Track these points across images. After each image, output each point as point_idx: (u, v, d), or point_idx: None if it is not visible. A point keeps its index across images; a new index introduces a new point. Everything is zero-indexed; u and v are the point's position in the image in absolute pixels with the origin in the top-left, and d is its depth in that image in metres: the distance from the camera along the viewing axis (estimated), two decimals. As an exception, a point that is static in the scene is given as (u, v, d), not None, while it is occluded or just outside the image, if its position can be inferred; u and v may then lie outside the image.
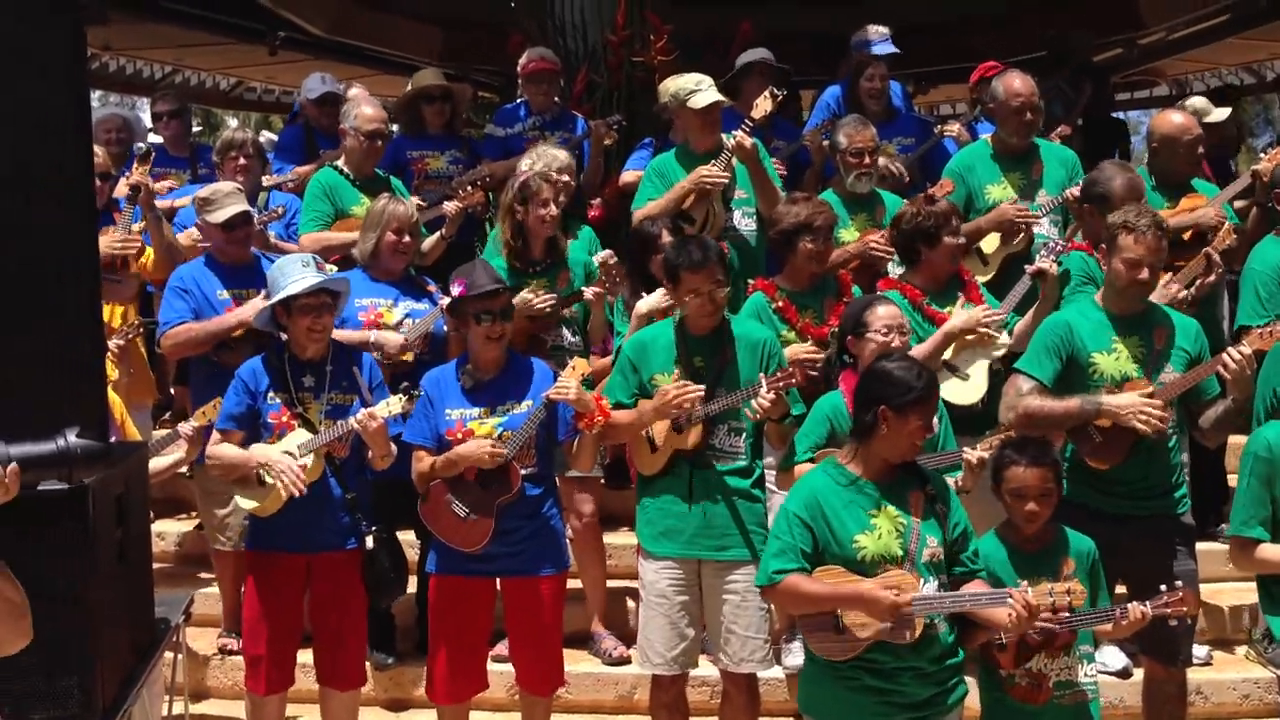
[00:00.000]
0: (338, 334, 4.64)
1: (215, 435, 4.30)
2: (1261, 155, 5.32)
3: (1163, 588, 3.42)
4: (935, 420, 3.92)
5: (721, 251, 4.18)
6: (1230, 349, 3.85)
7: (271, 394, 4.23)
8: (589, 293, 4.88)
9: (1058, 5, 9.71)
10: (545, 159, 5.34)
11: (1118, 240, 3.98)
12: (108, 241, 5.49)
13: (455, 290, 4.16)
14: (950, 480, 3.89)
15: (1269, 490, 3.53)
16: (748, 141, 5.21)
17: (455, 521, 4.12)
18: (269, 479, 4.15)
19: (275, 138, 7.89)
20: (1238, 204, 5.40)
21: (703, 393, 3.96)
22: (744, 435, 4.08)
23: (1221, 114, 6.29)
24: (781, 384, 3.91)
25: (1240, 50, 11.87)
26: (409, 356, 4.80)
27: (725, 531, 4.03)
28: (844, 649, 3.35)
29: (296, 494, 4.09)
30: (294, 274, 4.22)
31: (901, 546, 3.36)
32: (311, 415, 4.23)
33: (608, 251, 5.04)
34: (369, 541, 4.22)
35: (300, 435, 4.18)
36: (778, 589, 3.40)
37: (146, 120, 8.29)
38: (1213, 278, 4.82)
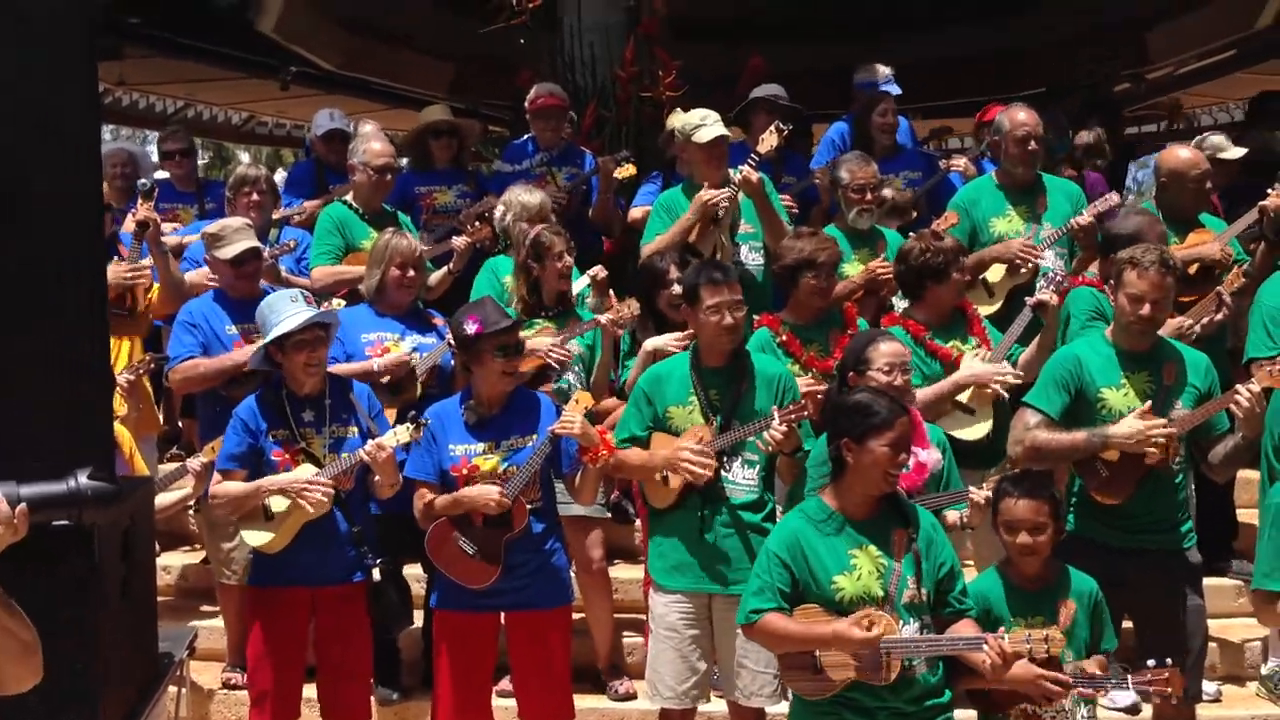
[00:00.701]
0: (341, 368, 4.66)
1: (216, 476, 4.29)
2: (1270, 191, 5.31)
3: (1150, 662, 3.41)
4: (939, 456, 3.92)
5: (741, 275, 4.20)
6: (1241, 386, 3.84)
7: (272, 432, 4.22)
8: (603, 319, 4.87)
9: (1065, 43, 9.77)
10: (515, 208, 5.34)
11: (1123, 276, 3.99)
12: (117, 272, 5.52)
13: (470, 328, 4.13)
14: (955, 514, 3.88)
15: None
16: (754, 176, 5.24)
17: (462, 558, 4.12)
18: (277, 512, 4.14)
19: (285, 174, 7.94)
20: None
21: (714, 467, 3.96)
22: (757, 468, 4.08)
23: (1237, 152, 6.30)
24: (794, 416, 3.92)
25: (1248, 85, 11.90)
26: (420, 377, 4.79)
27: (737, 565, 4.01)
28: (820, 689, 3.35)
29: (325, 500, 4.06)
30: (285, 310, 4.23)
31: (882, 587, 3.34)
32: (315, 450, 4.23)
33: (598, 267, 5.04)
34: (376, 574, 4.21)
35: (306, 470, 4.18)
36: (755, 628, 3.41)
37: (155, 156, 8.37)
38: (1220, 316, 4.81)
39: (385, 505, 4.48)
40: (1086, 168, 6.95)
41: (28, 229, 3.19)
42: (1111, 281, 4.11)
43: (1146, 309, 3.97)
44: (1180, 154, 5.50)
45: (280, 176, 8.13)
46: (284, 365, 4.25)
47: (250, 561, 4.46)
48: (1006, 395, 4.58)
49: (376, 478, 4.21)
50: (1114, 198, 5.38)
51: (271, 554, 4.20)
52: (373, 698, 4.95)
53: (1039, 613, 3.55)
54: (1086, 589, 3.65)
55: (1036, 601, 3.58)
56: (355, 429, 4.29)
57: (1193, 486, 4.20)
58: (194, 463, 4.59)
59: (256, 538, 4.21)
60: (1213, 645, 4.87)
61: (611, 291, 5.21)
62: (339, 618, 4.22)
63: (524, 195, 5.48)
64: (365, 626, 4.27)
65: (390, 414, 4.57)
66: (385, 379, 4.75)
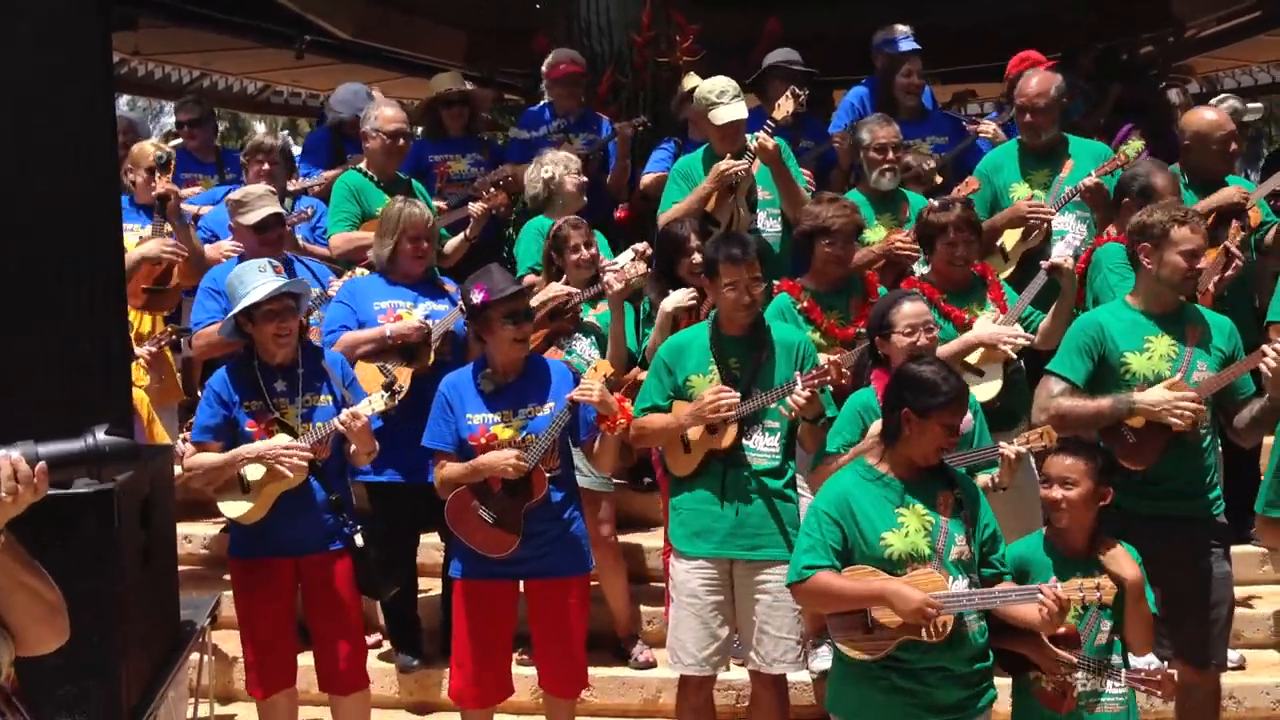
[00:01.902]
0: (353, 336, 4.64)
1: (190, 448, 4.28)
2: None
3: (1152, 662, 3.46)
4: (970, 418, 3.91)
5: (761, 249, 4.17)
6: (1268, 346, 3.78)
7: (245, 403, 4.20)
8: (610, 278, 4.81)
9: (1091, 5, 9.61)
10: (559, 165, 5.35)
11: (1171, 234, 3.92)
12: (161, 245, 5.55)
13: (477, 297, 4.12)
14: (986, 477, 3.87)
15: None
16: (770, 143, 5.18)
17: (483, 527, 4.11)
18: (253, 481, 4.13)
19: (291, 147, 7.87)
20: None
21: (738, 399, 3.96)
22: (778, 436, 4.07)
23: (1256, 108, 6.22)
24: (817, 381, 3.91)
25: (1271, 48, 11.72)
26: (434, 344, 4.78)
27: (758, 531, 4.02)
28: (874, 647, 3.35)
29: (303, 466, 4.07)
30: (253, 281, 4.19)
31: (929, 545, 3.37)
32: (289, 420, 4.21)
33: (643, 244, 5.02)
34: (358, 539, 4.21)
35: (281, 440, 4.16)
36: (807, 585, 3.40)
37: (170, 124, 8.35)
38: (1230, 271, 4.74)
39: (409, 475, 4.47)
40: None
41: (28, 229, 3.19)
42: (1139, 240, 4.02)
43: (1202, 262, 3.95)
44: (1206, 115, 5.42)
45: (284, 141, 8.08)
46: (254, 335, 4.23)
47: (230, 535, 4.43)
48: (1015, 356, 4.55)
49: (353, 447, 4.19)
50: (1120, 158, 5.30)
51: (250, 524, 4.19)
52: (394, 665, 4.99)
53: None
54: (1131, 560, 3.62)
55: (1075, 569, 3.55)
56: (329, 397, 4.28)
57: (1220, 449, 4.14)
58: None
59: (234, 508, 4.20)
60: (1237, 612, 4.84)
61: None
62: (323, 585, 4.22)
63: (552, 154, 5.50)
64: (352, 593, 4.26)
65: (365, 382, 4.53)
66: (398, 344, 4.73)
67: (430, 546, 5.13)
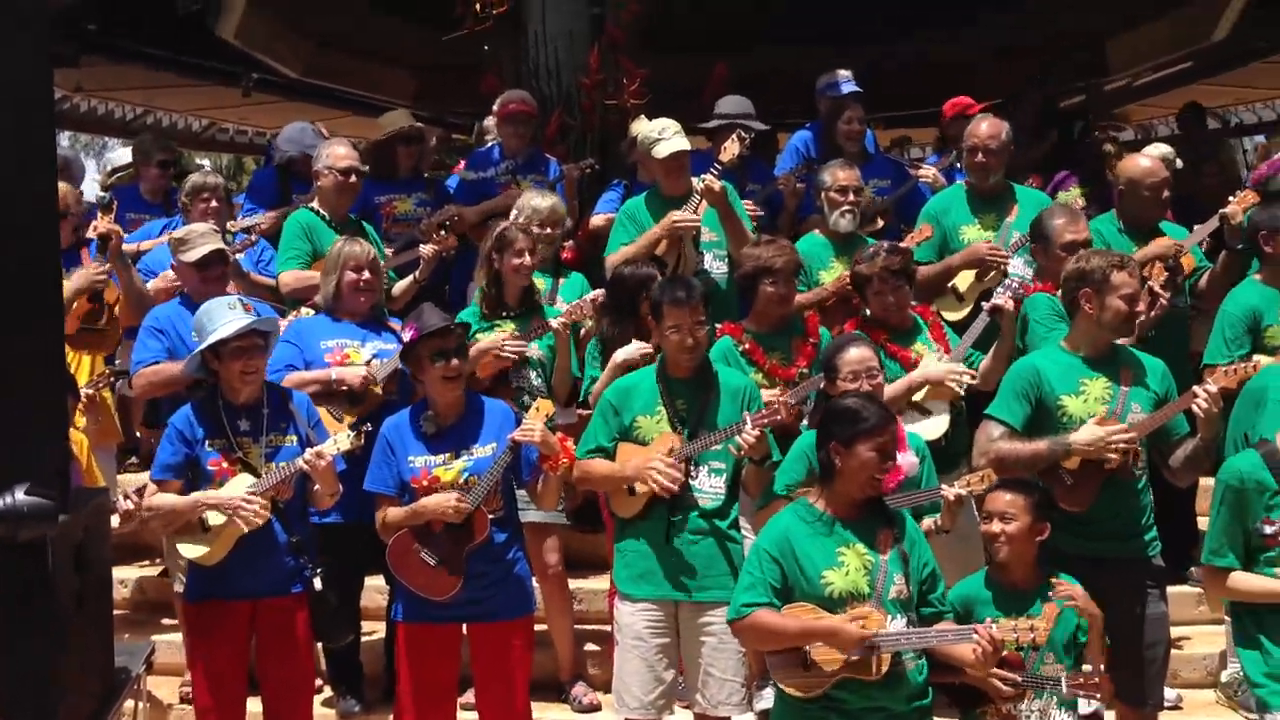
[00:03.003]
0: (299, 376, 4.60)
1: (151, 486, 4.21)
2: (1230, 199, 5.38)
3: (1086, 667, 3.52)
4: (917, 461, 3.96)
5: (706, 292, 4.23)
6: (1198, 387, 3.88)
7: (209, 441, 4.16)
8: (555, 323, 4.88)
9: (1025, 52, 9.86)
10: (527, 211, 5.38)
11: (1111, 279, 4.01)
12: (85, 274, 5.49)
13: (406, 335, 4.14)
14: (930, 520, 3.92)
15: (1240, 520, 3.55)
16: (716, 185, 5.23)
17: (425, 570, 4.08)
18: (214, 523, 4.08)
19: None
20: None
21: (680, 481, 3.99)
22: (724, 477, 4.11)
23: (1178, 163, 6.43)
24: (766, 421, 3.94)
25: (1204, 95, 12.07)
26: (377, 390, 4.76)
27: (704, 572, 4.03)
28: (812, 685, 3.37)
29: (259, 523, 4.03)
30: (222, 317, 4.17)
31: (869, 584, 3.41)
32: (252, 459, 4.17)
33: (598, 291, 5.05)
34: (316, 583, 4.16)
35: (244, 480, 4.12)
36: (745, 623, 3.44)
37: (127, 156, 8.23)
38: (1156, 311, 4.85)
39: (349, 515, 4.43)
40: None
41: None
42: (1080, 286, 4.09)
43: (1140, 306, 4.04)
44: (1140, 162, 5.56)
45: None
46: (220, 373, 4.19)
47: (187, 576, 4.38)
48: (962, 392, 4.63)
49: (316, 487, 4.16)
50: (1079, 201, 5.42)
51: (208, 566, 4.13)
52: (334, 711, 4.91)
53: (1017, 616, 3.59)
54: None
55: (1016, 604, 3.63)
56: (294, 438, 4.24)
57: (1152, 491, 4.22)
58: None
59: (193, 550, 4.15)
60: (1174, 652, 4.91)
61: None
62: (279, 629, 4.16)
63: (536, 199, 5.51)
64: (306, 638, 4.22)
65: (330, 423, 4.51)
66: (344, 388, 4.70)
67: (374, 589, 5.08)
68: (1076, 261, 4.15)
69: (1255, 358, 4.00)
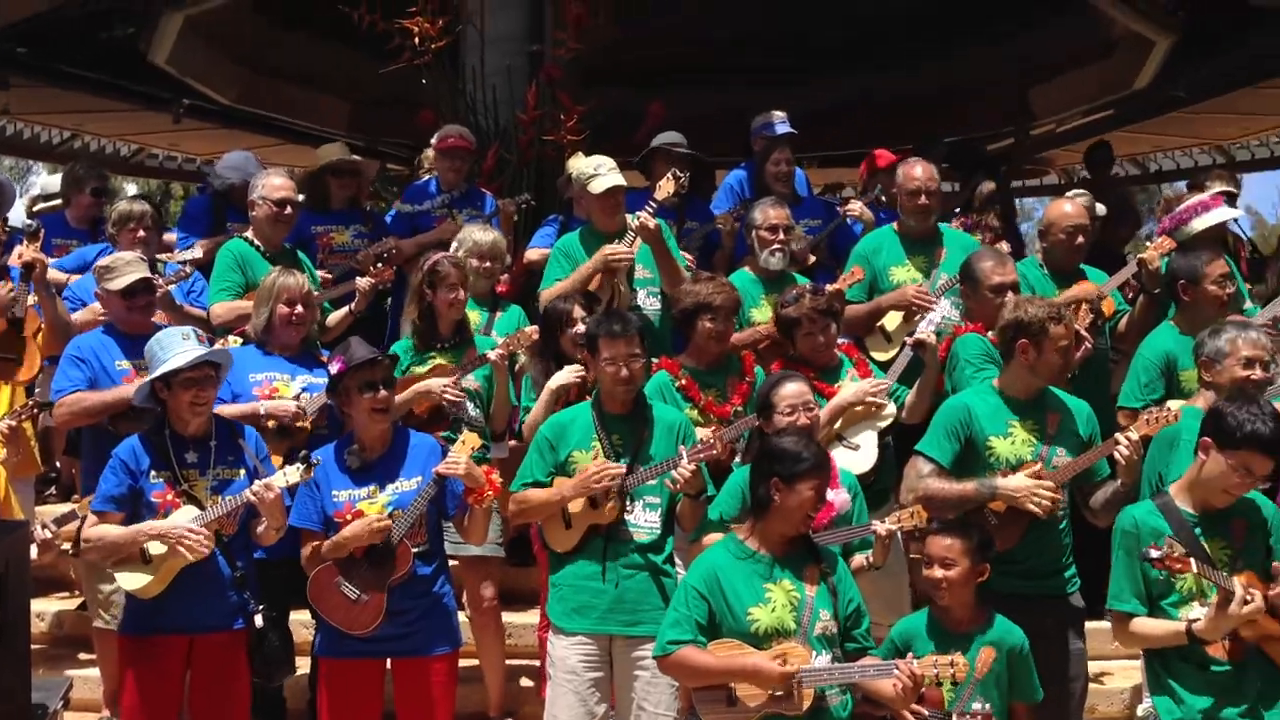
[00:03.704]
0: (227, 409, 4.55)
1: (92, 518, 4.13)
2: (1147, 244, 5.54)
3: (975, 705, 3.63)
4: (849, 498, 4.02)
5: (642, 327, 4.28)
6: (1120, 434, 3.99)
7: (154, 473, 4.09)
8: (492, 354, 4.89)
9: (951, 98, 10.10)
10: (466, 244, 5.40)
11: (1050, 331, 4.09)
12: None
13: (334, 368, 4.13)
14: (861, 557, 3.97)
15: (1140, 564, 3.65)
16: (651, 223, 5.28)
17: (345, 604, 4.04)
18: (155, 554, 4.01)
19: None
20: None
21: (623, 469, 4.02)
22: (659, 511, 4.14)
23: (1102, 209, 6.63)
24: (701, 455, 3.98)
25: (1126, 143, 12.44)
26: (306, 424, 4.72)
27: (638, 606, 4.05)
28: None
29: (204, 554, 3.96)
30: (175, 347, 4.13)
31: (795, 619, 3.47)
32: (198, 492, 4.11)
33: (534, 327, 5.07)
34: (258, 620, 4.10)
35: (188, 512, 4.07)
36: (671, 659, 3.50)
37: (55, 183, 8.08)
38: (1081, 354, 4.97)
39: (275, 550, 4.38)
40: (981, 218, 7.17)
41: None
42: (1017, 335, 4.16)
43: (1076, 354, 4.12)
44: (1062, 207, 5.71)
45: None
46: (169, 403, 4.14)
47: (125, 607, 4.30)
48: (886, 406, 4.71)
49: (261, 526, 4.11)
50: (1005, 245, 5.54)
51: (148, 599, 4.06)
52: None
53: (962, 654, 3.64)
54: (1011, 641, 3.78)
55: (955, 643, 3.69)
56: (242, 471, 4.20)
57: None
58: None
59: (132, 580, 4.06)
60: (1092, 687, 5.00)
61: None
62: (217, 666, 4.09)
63: (477, 233, 5.52)
64: (244, 675, 4.15)
65: (276, 458, 4.47)
66: (271, 423, 4.65)
67: (299, 624, 5.00)
68: (1014, 310, 4.22)
69: (1172, 406, 4.10)
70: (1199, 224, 5.56)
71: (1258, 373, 4.15)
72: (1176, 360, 4.77)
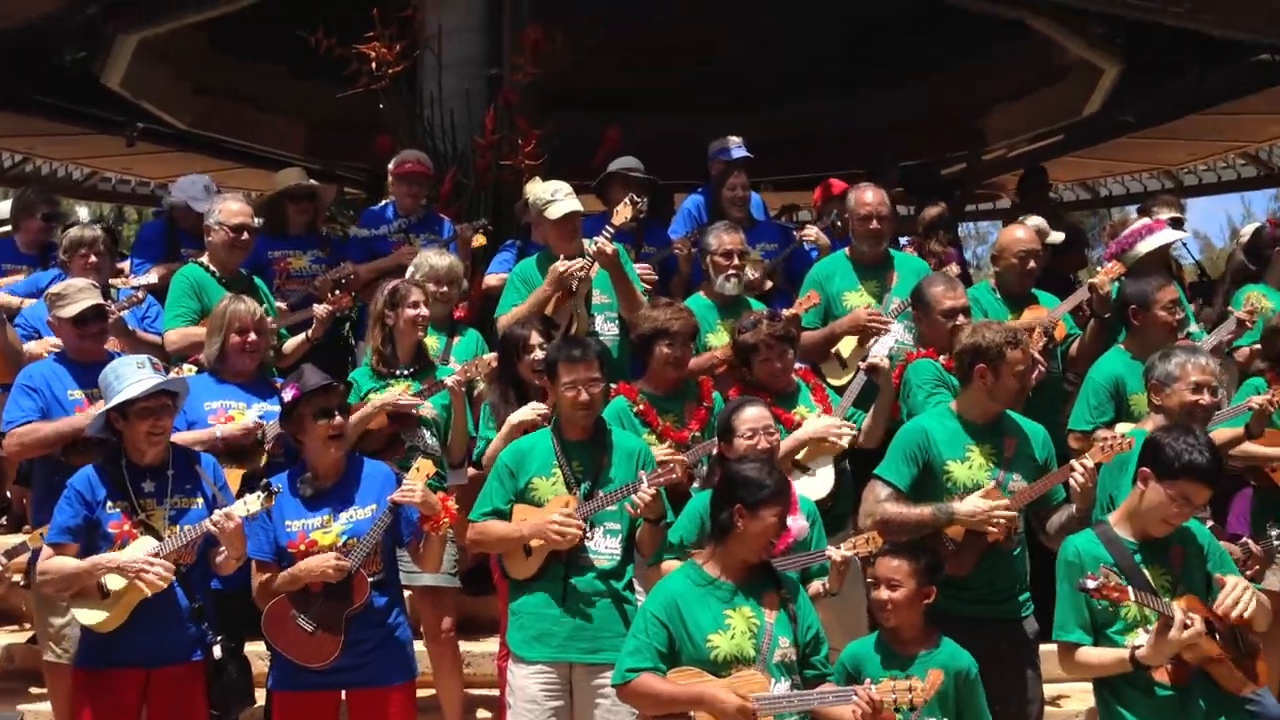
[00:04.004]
0: (181, 436, 4.50)
1: (47, 550, 4.06)
2: (1098, 269, 5.64)
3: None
4: (806, 525, 4.04)
5: (601, 352, 4.28)
6: (1075, 461, 4.03)
7: (110, 503, 4.04)
8: (449, 380, 4.88)
9: (906, 123, 10.23)
10: (424, 269, 5.40)
11: (1007, 356, 4.13)
12: None
13: (288, 395, 4.10)
14: (818, 583, 3.99)
15: (1083, 595, 3.67)
16: (609, 247, 5.30)
17: (302, 637, 4.00)
18: (114, 588, 3.95)
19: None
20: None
21: (583, 532, 4.01)
22: (619, 538, 4.13)
23: (1057, 237, 6.73)
24: (662, 480, 3.98)
25: (1076, 168, 12.65)
26: (266, 446, 4.68)
27: (598, 634, 4.04)
28: None
29: (163, 585, 3.91)
30: (130, 377, 4.09)
31: (754, 647, 3.49)
32: (155, 522, 4.06)
33: (492, 355, 5.05)
34: (216, 651, 4.05)
35: (146, 543, 4.01)
36: (630, 687, 3.50)
37: (4, 208, 7.98)
38: (1034, 376, 5.01)
39: (230, 581, 4.33)
40: (932, 242, 7.26)
41: None
42: (975, 360, 4.20)
43: (1031, 377, 4.17)
44: (1014, 232, 5.81)
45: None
46: (125, 433, 4.10)
47: (80, 640, 4.22)
48: (843, 445, 4.74)
49: (220, 555, 4.07)
50: (954, 269, 5.61)
51: (105, 633, 3.99)
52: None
53: (901, 677, 3.64)
54: (959, 664, 3.80)
55: (905, 666, 3.71)
56: (200, 500, 4.15)
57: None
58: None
59: (90, 616, 4.00)
60: (1049, 709, 5.03)
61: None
62: (174, 699, 4.03)
63: (434, 257, 5.52)
64: (201, 709, 4.09)
65: (233, 483, 4.43)
66: (224, 447, 4.61)
67: (255, 655, 4.94)
68: (972, 335, 4.25)
69: (1124, 433, 4.15)
70: (1144, 247, 5.68)
71: (1206, 398, 4.21)
72: (1126, 384, 4.85)
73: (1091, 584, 3.51)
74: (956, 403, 4.31)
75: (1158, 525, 3.68)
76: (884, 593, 3.78)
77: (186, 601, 4.06)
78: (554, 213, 5.42)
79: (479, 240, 6.25)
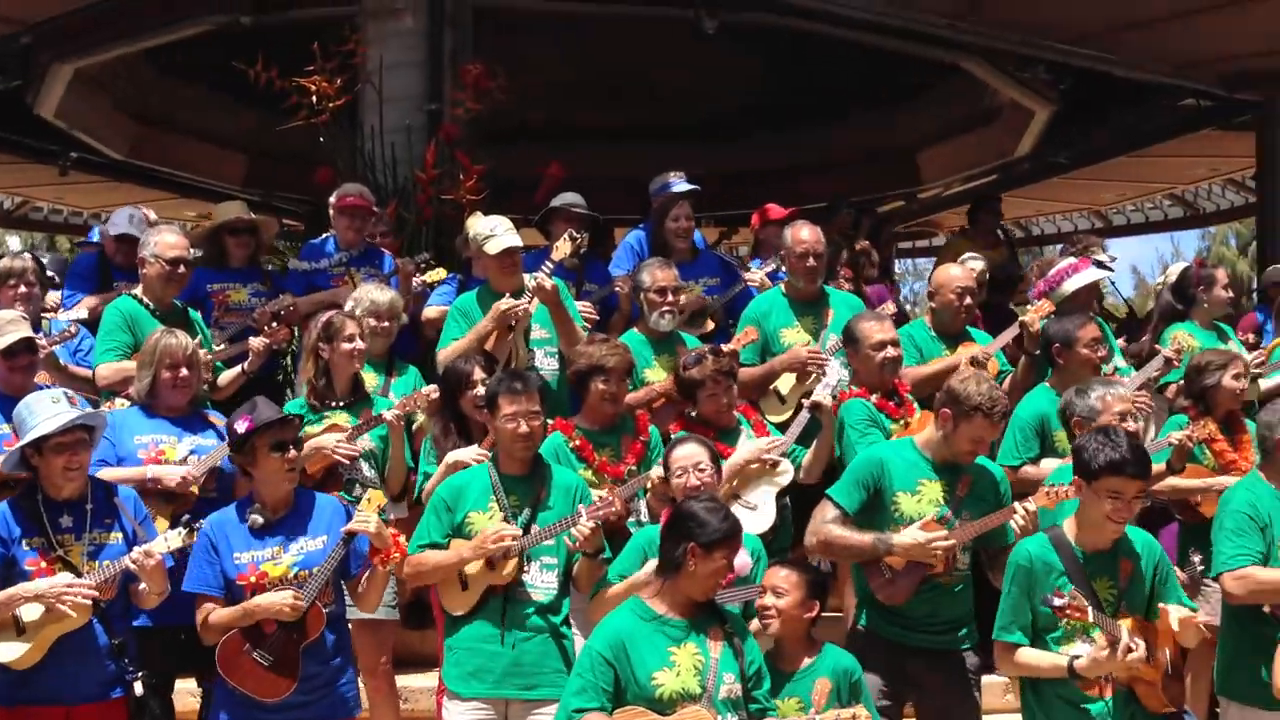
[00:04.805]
0: (112, 473, 4.43)
1: None
2: (1029, 306, 5.76)
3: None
4: (750, 560, 4.08)
5: (542, 386, 4.30)
6: (1018, 504, 4.11)
7: (26, 540, 3.94)
8: (388, 415, 4.86)
9: (840, 163, 10.42)
10: (364, 304, 5.38)
11: (973, 419, 4.12)
12: None
13: (242, 426, 4.05)
14: (758, 623, 4.01)
15: (1028, 599, 3.78)
16: (548, 283, 5.31)
17: (257, 671, 3.93)
18: (29, 620, 3.86)
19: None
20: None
21: (520, 533, 4.00)
22: (556, 572, 4.12)
23: (977, 264, 6.91)
24: (601, 514, 3.98)
25: (1009, 206, 12.90)
26: (194, 490, 4.61)
27: (535, 670, 4.02)
28: None
29: (87, 604, 3.83)
30: (45, 412, 3.99)
31: (700, 684, 3.48)
32: (73, 558, 3.96)
33: (432, 387, 5.04)
34: (138, 688, 3.97)
35: (63, 579, 3.90)
36: None
37: None
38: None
39: (159, 617, 4.26)
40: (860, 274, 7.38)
41: None
42: (947, 402, 4.21)
43: (985, 449, 4.29)
44: (949, 270, 5.91)
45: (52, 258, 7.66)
46: (40, 469, 4.01)
47: None
48: (779, 463, 4.78)
49: (142, 587, 3.99)
50: (890, 307, 5.70)
51: (21, 669, 3.88)
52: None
53: (795, 691, 3.75)
54: (844, 666, 3.85)
55: (791, 680, 3.77)
56: (119, 535, 4.06)
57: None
58: None
59: (7, 651, 3.88)
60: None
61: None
62: None
63: (375, 292, 5.49)
64: None
65: (162, 521, 4.36)
66: (159, 487, 4.52)
67: (185, 692, 4.86)
68: (963, 381, 4.22)
69: (1066, 485, 4.17)
70: (1070, 285, 5.83)
71: (1130, 425, 4.33)
72: (1051, 421, 4.94)
73: (1058, 601, 3.60)
74: (922, 438, 4.35)
75: (1104, 532, 3.77)
76: (769, 599, 3.83)
77: (105, 638, 3.97)
78: (493, 248, 5.44)
79: (437, 274, 6.22)
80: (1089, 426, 4.31)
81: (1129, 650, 3.57)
